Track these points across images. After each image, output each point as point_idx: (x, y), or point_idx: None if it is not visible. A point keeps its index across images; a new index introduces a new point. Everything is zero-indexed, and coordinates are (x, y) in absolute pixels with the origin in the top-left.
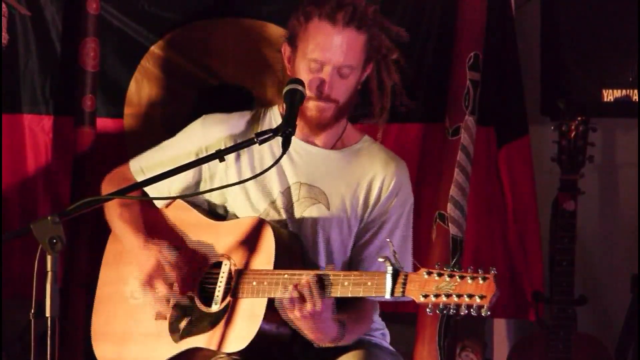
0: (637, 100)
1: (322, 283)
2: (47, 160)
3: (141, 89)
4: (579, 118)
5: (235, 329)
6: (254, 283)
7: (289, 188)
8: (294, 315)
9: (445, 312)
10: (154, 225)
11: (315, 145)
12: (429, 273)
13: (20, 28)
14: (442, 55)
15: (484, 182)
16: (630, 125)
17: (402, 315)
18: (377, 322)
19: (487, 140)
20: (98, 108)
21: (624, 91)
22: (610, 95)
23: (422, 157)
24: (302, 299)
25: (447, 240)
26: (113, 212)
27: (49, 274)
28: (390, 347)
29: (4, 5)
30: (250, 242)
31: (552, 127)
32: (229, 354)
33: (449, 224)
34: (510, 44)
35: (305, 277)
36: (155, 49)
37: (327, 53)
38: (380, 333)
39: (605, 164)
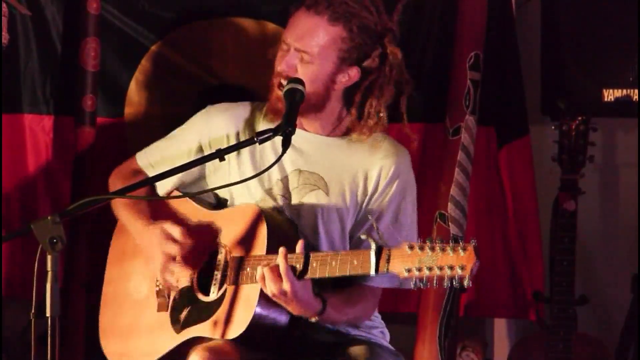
0: (637, 100)
1: (292, 267)
2: (47, 160)
3: (141, 88)
4: (580, 118)
5: (233, 316)
6: (248, 269)
7: (287, 176)
8: (266, 291)
9: (429, 285)
10: (157, 214)
11: (309, 131)
12: (411, 247)
13: (21, 28)
14: (442, 55)
15: (484, 182)
16: (630, 125)
17: (402, 315)
18: (377, 321)
19: (487, 140)
20: (98, 108)
21: (624, 91)
22: (610, 95)
23: (422, 157)
24: (271, 277)
25: (448, 240)
26: (119, 202)
27: (49, 274)
28: (391, 346)
29: (4, 5)
30: (244, 230)
31: (553, 127)
32: (230, 341)
33: (450, 224)
34: (510, 43)
35: (274, 261)
36: (155, 49)
37: (291, 34)
38: (380, 332)
39: (606, 163)
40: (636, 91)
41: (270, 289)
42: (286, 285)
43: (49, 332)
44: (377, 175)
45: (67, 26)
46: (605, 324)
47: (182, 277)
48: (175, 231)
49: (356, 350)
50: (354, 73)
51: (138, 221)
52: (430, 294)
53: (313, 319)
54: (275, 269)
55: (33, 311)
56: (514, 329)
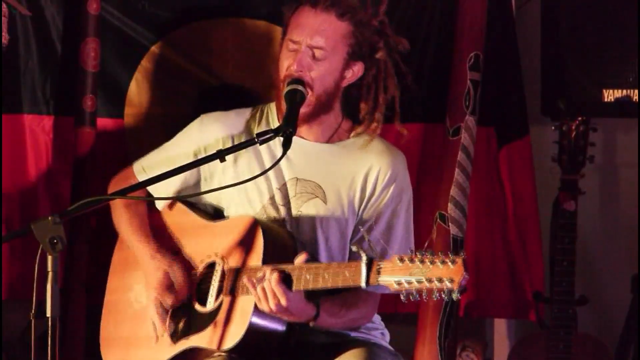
0: (637, 100)
1: (286, 280)
2: (47, 160)
3: (141, 89)
4: (580, 118)
5: (229, 326)
6: (245, 280)
7: (285, 184)
8: (263, 308)
9: (419, 298)
10: (157, 230)
11: (308, 139)
12: (402, 260)
13: (21, 28)
14: (443, 55)
15: (485, 182)
16: (630, 126)
17: (402, 315)
18: (377, 322)
19: (487, 141)
20: (98, 108)
21: (624, 91)
22: (610, 95)
23: (422, 157)
24: (265, 296)
25: (448, 240)
26: (120, 216)
27: (49, 274)
28: (390, 347)
29: (4, 5)
30: (242, 241)
31: (553, 127)
32: (226, 351)
33: (450, 224)
34: (510, 44)
35: (268, 274)
36: (155, 49)
37: (302, 32)
38: (380, 332)
39: (606, 164)
40: (636, 91)
41: (268, 307)
42: (283, 301)
43: (49, 332)
44: (374, 178)
45: (67, 26)
46: (605, 324)
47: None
48: (178, 278)
49: (355, 351)
50: (357, 68)
51: (143, 245)
52: None
53: (310, 324)
54: (270, 288)
55: (33, 311)
56: (514, 329)
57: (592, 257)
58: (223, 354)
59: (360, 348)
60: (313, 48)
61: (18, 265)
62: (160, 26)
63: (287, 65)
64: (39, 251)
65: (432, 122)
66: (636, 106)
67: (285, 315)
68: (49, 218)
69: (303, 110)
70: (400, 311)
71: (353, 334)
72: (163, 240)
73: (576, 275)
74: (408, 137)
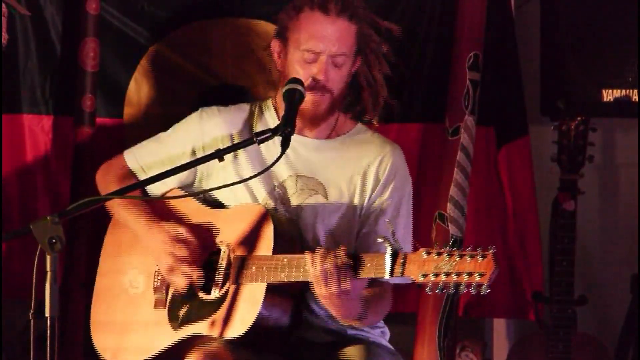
0: (637, 100)
1: (356, 263)
2: (47, 160)
3: (141, 89)
4: (579, 118)
5: (236, 314)
6: (253, 269)
7: (284, 181)
8: (321, 292)
9: (444, 291)
10: (158, 212)
11: (308, 137)
12: (428, 253)
13: (20, 28)
14: (442, 55)
15: (484, 182)
16: (630, 125)
17: (402, 315)
18: None
19: (486, 140)
20: (98, 108)
21: (623, 91)
22: (610, 95)
23: (421, 157)
24: (332, 276)
25: (447, 240)
26: (117, 202)
27: (48, 274)
28: (390, 346)
29: (3, 5)
30: (249, 229)
31: (552, 127)
32: (229, 340)
33: (449, 224)
34: (510, 44)
35: (342, 256)
36: (154, 49)
37: (322, 42)
38: (380, 331)
39: (605, 164)
40: (635, 91)
41: (331, 289)
42: (347, 285)
43: (48, 332)
44: (375, 170)
45: (66, 26)
46: (605, 324)
47: (192, 276)
48: (182, 232)
49: (354, 349)
50: (357, 63)
51: (141, 220)
52: (430, 294)
53: (353, 322)
54: (339, 268)
55: (33, 311)
56: (514, 329)
57: (591, 257)
58: (220, 340)
59: (358, 346)
60: (335, 56)
61: (17, 265)
62: (159, 26)
63: (305, 74)
64: (38, 251)
65: (431, 122)
66: (635, 106)
67: (339, 303)
68: (48, 218)
69: (322, 107)
70: (399, 311)
71: (352, 331)
72: (163, 218)
73: (575, 275)
74: (407, 137)
